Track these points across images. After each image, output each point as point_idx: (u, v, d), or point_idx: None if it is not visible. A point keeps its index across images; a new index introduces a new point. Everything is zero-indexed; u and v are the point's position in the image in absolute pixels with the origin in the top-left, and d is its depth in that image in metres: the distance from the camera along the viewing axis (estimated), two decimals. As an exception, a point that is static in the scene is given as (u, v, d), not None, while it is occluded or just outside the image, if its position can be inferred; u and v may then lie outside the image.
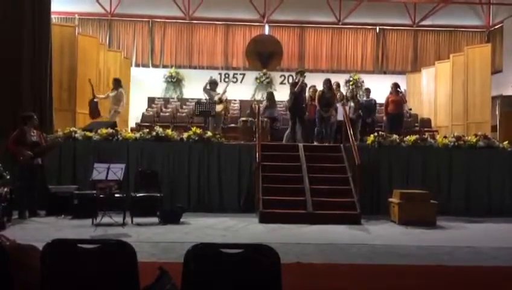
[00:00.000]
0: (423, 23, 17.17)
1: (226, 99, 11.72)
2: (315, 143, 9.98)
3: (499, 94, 13.68)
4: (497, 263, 5.26)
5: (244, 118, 10.98)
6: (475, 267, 5.11)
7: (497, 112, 12.66)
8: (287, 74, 16.61)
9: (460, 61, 13.02)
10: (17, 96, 8.78)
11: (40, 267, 2.32)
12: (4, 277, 2.31)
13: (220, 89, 11.07)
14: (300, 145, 9.37)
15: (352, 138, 8.85)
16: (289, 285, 2.35)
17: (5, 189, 6.99)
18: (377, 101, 11.76)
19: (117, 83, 10.82)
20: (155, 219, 7.39)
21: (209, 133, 9.00)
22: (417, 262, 5.28)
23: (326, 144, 9.96)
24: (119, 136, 8.84)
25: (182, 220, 7.49)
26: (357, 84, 15.85)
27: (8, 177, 7.16)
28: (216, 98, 10.63)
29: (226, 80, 15.59)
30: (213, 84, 10.92)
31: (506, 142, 9.34)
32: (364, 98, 11.49)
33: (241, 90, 15.99)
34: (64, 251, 2.37)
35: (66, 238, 2.58)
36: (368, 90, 11.64)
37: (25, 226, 6.95)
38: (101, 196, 7.06)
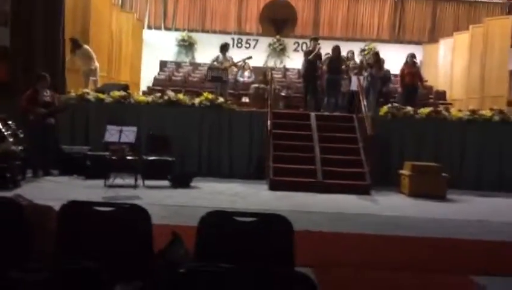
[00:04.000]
0: (443, -8, 16.63)
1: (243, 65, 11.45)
2: (325, 113, 9.90)
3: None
4: (505, 238, 5.26)
5: (256, 85, 10.88)
6: (482, 241, 5.12)
7: (514, 87, 12.39)
8: (300, 41, 16.30)
9: (479, 33, 12.65)
10: (30, 57, 8.77)
11: (57, 227, 2.37)
12: (21, 237, 2.36)
13: (235, 56, 10.84)
14: (312, 114, 9.31)
15: (365, 108, 8.76)
16: (298, 252, 2.37)
17: (19, 148, 7.07)
18: (392, 72, 11.55)
19: (76, 43, 9.80)
20: (166, 182, 7.47)
21: (221, 99, 8.95)
22: (424, 234, 5.31)
23: (339, 114, 9.88)
24: (131, 99, 8.84)
25: (192, 184, 7.57)
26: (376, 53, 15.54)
27: (22, 136, 7.23)
28: (226, 64, 10.35)
29: (241, 47, 15.36)
30: (224, 48, 10.52)
31: (522, 117, 9.19)
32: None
33: (253, 56, 15.78)
34: (80, 213, 2.41)
35: (81, 200, 2.62)
36: (383, 61, 11.41)
37: (39, 185, 7.07)
38: (114, 157, 7.13)
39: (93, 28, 10.94)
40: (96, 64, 10.04)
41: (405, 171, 7.99)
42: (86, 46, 9.95)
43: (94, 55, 9.99)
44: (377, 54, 11.30)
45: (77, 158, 7.90)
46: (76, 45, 9.80)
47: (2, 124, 6.91)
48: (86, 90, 9.04)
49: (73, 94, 8.85)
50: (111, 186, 6.94)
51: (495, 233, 5.49)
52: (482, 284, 3.67)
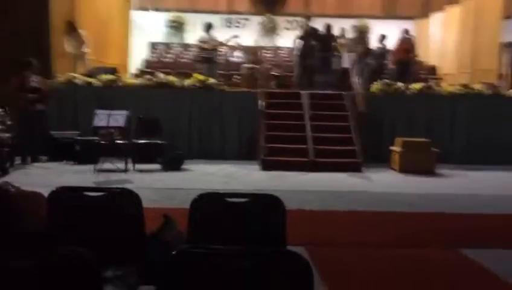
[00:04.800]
0: (434, -35, 16.45)
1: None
2: (317, 91, 9.86)
3: (510, 41, 13.30)
4: (494, 211, 5.33)
5: (247, 65, 10.79)
6: (472, 215, 5.19)
7: (508, 61, 12.35)
8: (291, 19, 16.13)
9: (470, 6, 12.56)
10: (16, 42, 8.59)
11: (47, 214, 2.34)
12: (10, 224, 2.33)
13: (219, 37, 10.68)
14: (304, 92, 9.27)
15: (355, 86, 8.74)
16: (291, 232, 2.38)
17: (7, 135, 6.99)
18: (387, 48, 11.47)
19: (71, 25, 9.86)
20: (157, 166, 7.44)
21: (212, 80, 8.87)
22: (415, 209, 5.36)
23: (330, 92, 9.85)
24: (120, 83, 8.74)
25: (183, 166, 7.55)
26: (363, 30, 15.41)
27: (10, 123, 7.15)
28: (213, 43, 10.14)
29: (229, 25, 15.20)
30: (208, 28, 10.27)
31: (513, 90, 9.22)
32: (378, 45, 11.18)
33: (244, 35, 15.59)
34: (70, 198, 2.38)
35: (71, 185, 2.59)
36: (382, 37, 11.28)
37: (28, 171, 7.02)
38: (103, 142, 7.08)
39: (79, 11, 10.70)
40: (88, 49, 10.01)
41: (396, 148, 8.02)
42: (80, 30, 9.97)
43: (86, 40, 9.99)
44: (360, 31, 11.19)
45: (66, 143, 7.83)
46: (72, 28, 9.84)
47: (-11, 111, 6.81)
48: (74, 74, 8.91)
49: (61, 79, 8.71)
50: (101, 171, 6.91)
51: (485, 206, 5.57)
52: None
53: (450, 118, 8.93)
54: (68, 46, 9.88)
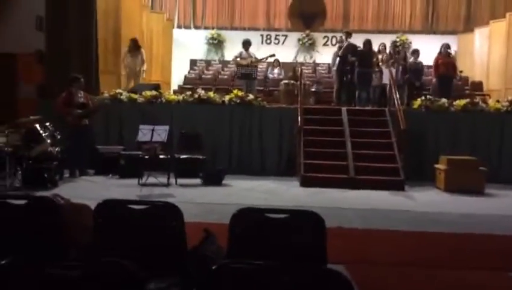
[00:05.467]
0: (478, -21, 16.07)
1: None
2: (356, 107, 9.77)
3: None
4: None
5: (286, 81, 10.83)
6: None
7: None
8: (330, 35, 16.12)
9: (517, 19, 12.18)
10: (65, 60, 9.03)
11: (93, 226, 2.43)
12: (59, 235, 2.43)
13: (258, 53, 10.81)
14: (344, 108, 9.19)
15: (397, 102, 8.59)
16: (330, 249, 2.35)
17: (56, 149, 7.29)
18: (425, 63, 11.26)
19: (135, 43, 10.54)
20: (198, 180, 7.54)
21: (251, 96, 8.96)
22: (461, 230, 5.16)
23: (370, 108, 9.73)
24: (162, 99, 8.98)
25: (223, 182, 7.62)
26: (404, 46, 15.19)
27: (59, 137, 7.46)
28: (249, 60, 10.27)
29: (268, 42, 15.40)
30: (246, 44, 10.43)
31: None
32: (412, 60, 11.03)
33: (283, 52, 15.71)
34: (115, 211, 2.46)
35: (116, 198, 2.67)
36: (416, 52, 11.15)
37: (75, 185, 7.27)
38: (146, 156, 7.25)
39: (124, 29, 11.14)
40: (145, 67, 10.70)
41: (440, 166, 7.78)
42: (142, 49, 10.66)
43: (145, 58, 10.71)
44: (393, 47, 11.05)
45: (112, 158, 8.08)
46: (136, 46, 10.51)
47: (39, 126, 7.14)
48: (119, 90, 9.24)
49: (106, 95, 9.05)
50: (144, 185, 7.07)
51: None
52: None
53: (497, 135, 8.59)
54: (129, 63, 10.47)
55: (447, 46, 10.53)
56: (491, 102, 9.25)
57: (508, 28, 12.36)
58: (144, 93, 9.01)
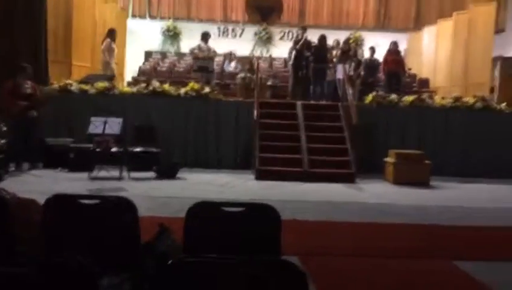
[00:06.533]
0: (427, -22, 16.70)
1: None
2: (311, 101, 9.94)
3: (499, 55, 13.49)
4: (487, 223, 5.37)
5: (242, 75, 10.84)
6: (465, 227, 5.22)
7: (496, 74, 12.52)
8: (287, 30, 16.26)
9: (463, 19, 12.74)
10: (12, 48, 8.59)
11: (42, 221, 2.35)
12: (5, 231, 2.33)
13: (220, 44, 10.72)
14: (299, 103, 9.32)
15: (350, 97, 8.81)
16: (285, 242, 2.39)
17: (1, 141, 6.96)
18: (379, 61, 11.60)
19: (115, 33, 10.48)
20: (152, 174, 7.43)
21: (207, 89, 8.91)
22: (409, 221, 5.38)
23: (324, 102, 9.92)
24: (115, 90, 8.75)
25: (178, 175, 7.55)
26: (357, 43, 15.56)
27: (5, 129, 7.12)
28: (206, 53, 10.14)
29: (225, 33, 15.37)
30: (204, 36, 10.27)
31: (504, 103, 9.33)
32: (368, 57, 11.33)
33: (240, 45, 15.70)
34: (65, 206, 2.38)
35: (66, 193, 2.59)
36: (372, 49, 11.44)
37: (22, 178, 6.98)
38: (98, 149, 7.07)
39: (76, 19, 10.75)
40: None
41: (389, 159, 8.07)
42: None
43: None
44: (345, 43, 11.33)
45: (61, 151, 7.81)
46: (113, 36, 10.32)
47: (-17, 117, 6.79)
48: (69, 81, 8.91)
49: (56, 85, 8.71)
50: (95, 178, 6.89)
51: (477, 218, 5.60)
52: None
53: (443, 130, 9.01)
54: (108, 53, 10.15)
55: (395, 44, 10.90)
56: (437, 98, 9.67)
57: (454, 27, 12.92)
58: (96, 84, 8.75)
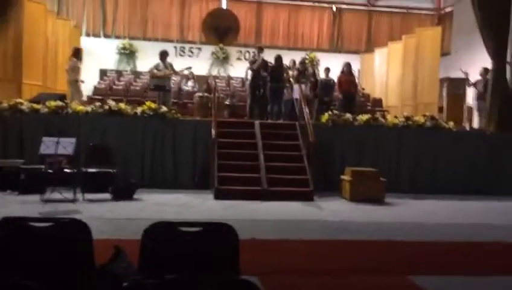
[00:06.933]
0: (378, 3, 17.47)
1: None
2: (269, 120, 10.05)
3: (446, 76, 14.23)
4: (439, 238, 5.56)
5: (200, 94, 10.85)
6: (418, 242, 5.38)
7: (444, 94, 13.17)
8: (243, 50, 16.48)
9: (411, 42, 13.38)
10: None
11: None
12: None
13: (176, 64, 10.71)
14: (256, 122, 9.40)
15: (307, 116, 8.98)
16: (244, 261, 2.38)
17: None
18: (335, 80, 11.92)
19: (80, 52, 10.49)
20: (107, 195, 7.23)
21: (164, 108, 8.83)
22: (366, 237, 5.50)
23: (282, 121, 10.06)
24: (69, 109, 8.51)
25: (135, 196, 7.39)
26: (312, 63, 15.98)
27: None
28: (167, 72, 10.09)
29: (182, 54, 15.37)
30: (163, 55, 10.22)
31: (452, 123, 9.79)
32: (324, 77, 11.63)
33: (197, 65, 15.73)
34: (14, 229, 2.28)
35: (15, 216, 2.48)
36: (327, 70, 11.76)
37: (-32, 202, 6.62)
38: (50, 171, 6.81)
39: (26, 36, 10.45)
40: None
41: (346, 177, 8.25)
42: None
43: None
44: (301, 63, 11.64)
45: (10, 172, 7.48)
46: (80, 55, 10.34)
47: None
48: (20, 100, 8.60)
49: (5, 104, 8.38)
50: (48, 201, 6.62)
51: (429, 234, 5.79)
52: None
53: (396, 148, 9.31)
54: (73, 72, 10.02)
55: (348, 65, 11.27)
56: (389, 117, 10.03)
57: (403, 50, 13.53)
58: (47, 103, 8.48)
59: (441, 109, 12.66)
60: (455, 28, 16.17)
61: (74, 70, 10.03)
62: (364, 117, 9.39)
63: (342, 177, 8.34)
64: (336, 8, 17.40)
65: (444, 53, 15.35)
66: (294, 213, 6.82)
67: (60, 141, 6.77)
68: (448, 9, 17.24)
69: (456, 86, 13.17)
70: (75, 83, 10.02)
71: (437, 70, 12.84)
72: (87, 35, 15.74)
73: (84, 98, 10.09)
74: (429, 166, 9.27)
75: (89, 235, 2.29)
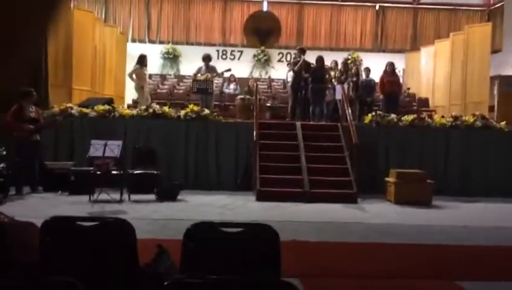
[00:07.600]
0: (423, 1, 16.97)
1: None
2: (311, 122, 9.97)
3: (497, 74, 13.59)
4: (490, 243, 5.32)
5: (241, 96, 10.91)
6: (467, 247, 5.17)
7: (495, 92, 12.59)
8: (285, 52, 16.44)
9: (459, 40, 12.90)
10: (13, 73, 8.68)
11: (39, 244, 2.33)
12: (2, 253, 2.31)
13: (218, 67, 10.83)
14: (298, 123, 9.35)
15: (349, 117, 8.83)
16: (285, 262, 2.36)
17: (2, 165, 6.96)
18: (376, 81, 11.69)
19: (146, 59, 10.65)
20: (152, 196, 7.40)
21: (207, 111, 8.95)
22: (411, 241, 5.33)
23: (324, 123, 9.95)
24: (115, 113, 8.79)
25: (179, 197, 7.52)
26: (356, 63, 15.72)
27: (5, 152, 7.13)
28: (209, 75, 10.22)
29: (224, 56, 15.52)
30: (206, 59, 10.38)
31: (504, 122, 9.34)
32: (364, 77, 11.43)
33: (239, 67, 15.86)
34: (63, 228, 2.37)
35: (64, 215, 2.58)
36: (367, 70, 11.56)
37: (22, 202, 6.95)
38: (98, 172, 7.06)
39: (76, 43, 10.88)
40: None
41: (391, 179, 8.04)
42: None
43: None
44: (343, 64, 11.41)
45: (61, 174, 7.80)
46: (144, 61, 10.45)
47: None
48: (70, 104, 8.97)
49: (56, 109, 8.76)
50: (96, 201, 6.86)
51: (479, 238, 5.55)
52: None
53: (443, 149, 9.00)
54: (139, 78, 10.27)
55: (391, 65, 10.99)
56: (436, 117, 9.70)
57: (451, 48, 13.07)
58: (96, 107, 8.79)
59: (491, 108, 12.10)
60: (506, 24, 15.45)
61: (138, 77, 10.26)
62: (409, 117, 9.13)
63: (387, 179, 8.13)
64: (379, 6, 17.04)
65: (495, 50, 14.69)
66: (337, 215, 6.72)
67: (107, 143, 6.99)
68: (498, 5, 16.49)
69: (508, 84, 12.54)
70: (140, 89, 10.25)
71: (487, 68, 12.30)
72: (133, 41, 16.21)
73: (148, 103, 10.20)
74: (479, 168, 8.89)
75: (132, 235, 2.35)
